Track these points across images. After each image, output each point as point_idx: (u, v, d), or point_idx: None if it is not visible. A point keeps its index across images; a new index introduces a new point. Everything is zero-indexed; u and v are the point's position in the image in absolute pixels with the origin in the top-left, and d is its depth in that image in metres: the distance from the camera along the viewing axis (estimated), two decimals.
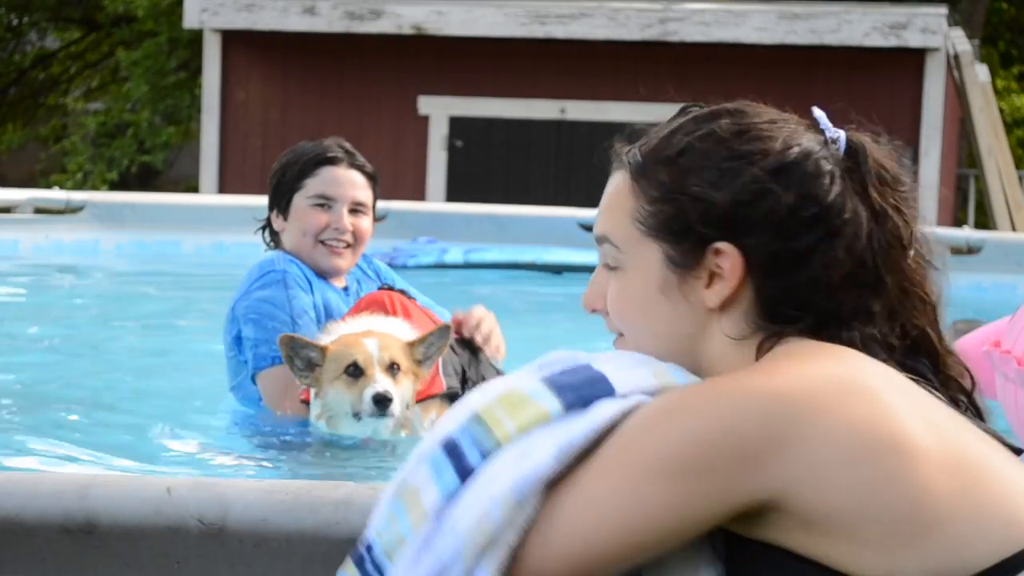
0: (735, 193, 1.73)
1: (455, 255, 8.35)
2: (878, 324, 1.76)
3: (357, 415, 3.50)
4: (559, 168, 13.69)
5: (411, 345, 3.55)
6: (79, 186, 16.84)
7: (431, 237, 8.66)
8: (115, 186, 17.57)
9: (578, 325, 7.03)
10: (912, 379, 1.72)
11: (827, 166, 1.77)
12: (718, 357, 1.76)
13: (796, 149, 1.76)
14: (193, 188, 17.64)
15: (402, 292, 4.00)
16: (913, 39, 12.75)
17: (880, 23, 12.76)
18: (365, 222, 4.03)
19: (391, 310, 3.78)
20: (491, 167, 13.72)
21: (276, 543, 2.05)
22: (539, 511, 1.61)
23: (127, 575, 2.08)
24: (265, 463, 3.63)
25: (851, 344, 1.73)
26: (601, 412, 1.66)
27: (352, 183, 4.02)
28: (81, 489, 2.08)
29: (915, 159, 13.10)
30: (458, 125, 13.79)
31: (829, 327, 1.73)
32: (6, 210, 8.56)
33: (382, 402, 3.43)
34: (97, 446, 3.84)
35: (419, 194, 13.51)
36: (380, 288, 4.04)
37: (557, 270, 8.41)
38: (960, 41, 13.42)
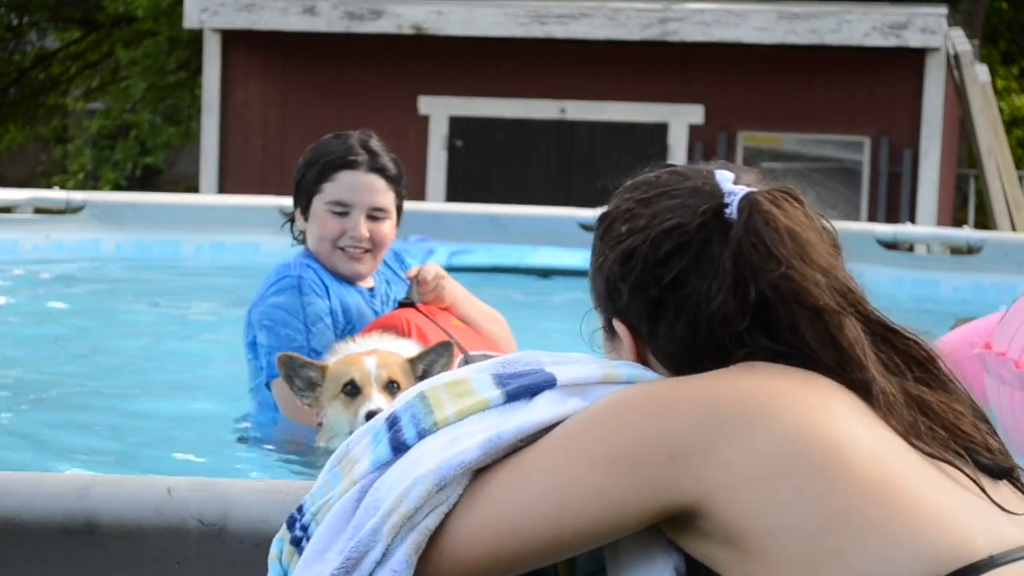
0: (605, 275, 1.84)
1: (439, 257, 8.36)
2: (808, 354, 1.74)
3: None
4: (559, 168, 13.69)
5: (411, 361, 3.46)
6: (79, 185, 16.84)
7: (423, 236, 8.65)
8: (115, 185, 17.57)
9: (564, 327, 7.04)
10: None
11: (682, 239, 1.77)
12: None
13: (664, 225, 1.79)
14: (193, 188, 17.64)
15: (435, 300, 3.95)
16: (913, 39, 12.75)
17: (880, 23, 12.76)
18: (385, 226, 3.94)
19: (405, 331, 3.71)
20: (491, 167, 13.72)
21: None
22: (461, 497, 1.63)
23: (127, 575, 2.08)
24: (266, 464, 3.64)
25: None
26: (537, 411, 1.69)
27: (371, 188, 3.91)
28: (82, 489, 2.08)
29: (915, 159, 13.10)
30: (458, 125, 13.79)
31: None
32: (6, 210, 8.56)
33: None
34: (97, 446, 3.85)
35: (419, 194, 13.51)
36: (400, 304, 3.93)
37: (544, 273, 8.40)
38: (960, 41, 13.42)
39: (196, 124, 17.42)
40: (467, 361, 3.65)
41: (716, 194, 1.79)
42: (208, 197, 11.98)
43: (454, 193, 13.50)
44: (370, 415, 3.26)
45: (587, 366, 1.77)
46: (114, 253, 8.48)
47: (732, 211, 1.76)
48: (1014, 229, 13.16)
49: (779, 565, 1.56)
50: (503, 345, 4.05)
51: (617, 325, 1.83)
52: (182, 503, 2.06)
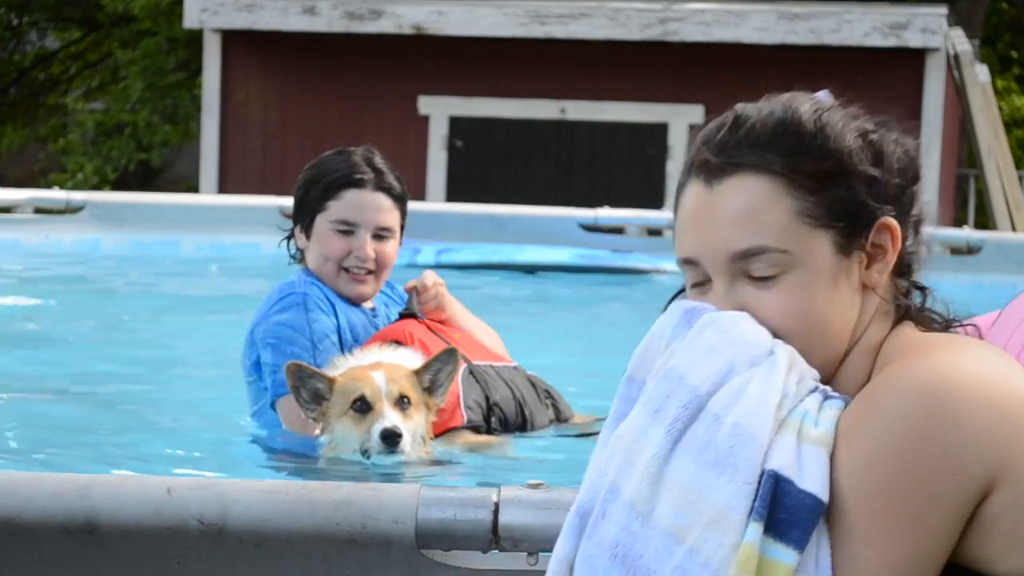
0: (882, 166, 1.75)
1: (427, 256, 8.36)
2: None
3: (366, 452, 3.29)
4: (559, 168, 13.69)
5: (417, 373, 3.37)
6: (79, 186, 16.84)
7: (407, 237, 8.65)
8: (115, 185, 17.57)
9: (549, 324, 7.05)
10: None
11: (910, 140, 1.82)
12: (863, 341, 1.76)
13: (880, 127, 1.82)
14: (193, 188, 17.64)
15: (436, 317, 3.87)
16: (913, 39, 12.75)
17: (880, 23, 12.76)
18: (390, 247, 3.84)
19: (407, 343, 3.64)
20: (491, 167, 13.72)
21: (276, 543, 2.05)
22: None
23: (127, 575, 2.09)
24: (266, 464, 3.63)
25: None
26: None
27: (377, 207, 3.81)
28: (82, 489, 2.08)
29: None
30: (458, 125, 13.79)
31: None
32: (6, 210, 8.56)
33: (390, 438, 3.22)
34: (97, 446, 3.84)
35: (419, 194, 13.50)
36: (401, 316, 3.88)
37: (530, 269, 8.41)
38: (960, 41, 13.41)
39: (195, 124, 17.42)
40: (471, 372, 3.62)
41: None
42: (208, 197, 11.98)
43: (454, 193, 13.50)
44: (384, 433, 3.20)
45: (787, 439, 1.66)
46: (114, 253, 8.47)
47: None
48: (1014, 229, 13.15)
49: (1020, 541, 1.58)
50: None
51: (893, 224, 1.74)
52: (182, 503, 2.06)
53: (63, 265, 8.20)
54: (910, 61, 13.05)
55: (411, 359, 3.49)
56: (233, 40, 13.98)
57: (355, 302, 3.84)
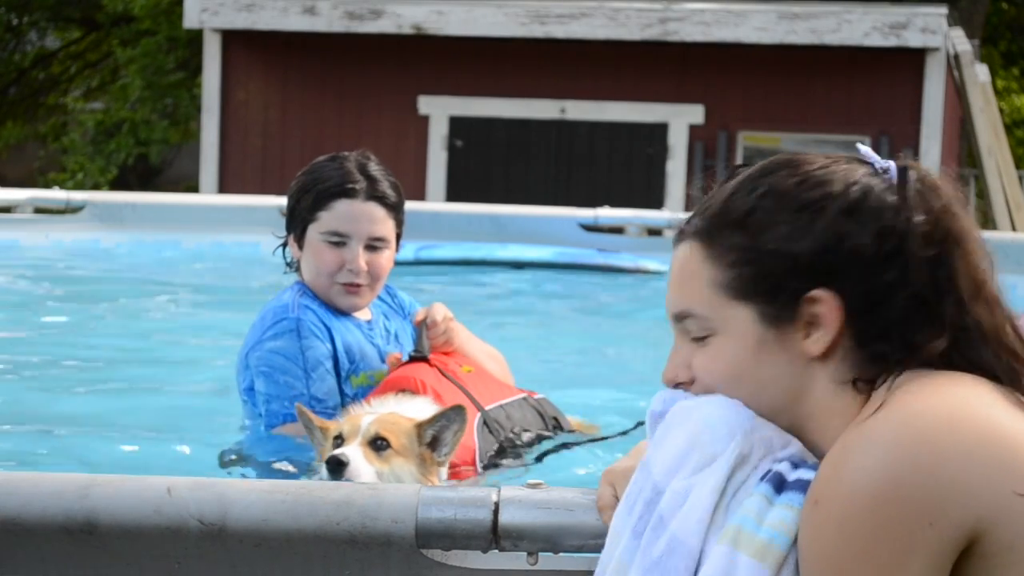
0: (815, 241, 1.74)
1: (407, 252, 8.37)
2: (961, 343, 1.76)
3: None
4: (559, 168, 13.69)
5: (420, 426, 3.23)
6: (79, 185, 16.85)
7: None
8: (114, 184, 17.57)
9: (535, 320, 7.06)
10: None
11: (889, 197, 1.78)
12: (823, 407, 1.76)
13: (856, 187, 1.77)
14: (193, 188, 17.65)
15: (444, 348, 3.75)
16: (913, 39, 12.75)
17: (880, 23, 12.76)
18: (384, 257, 3.71)
19: (420, 391, 3.50)
20: (491, 167, 13.72)
21: (276, 543, 2.05)
22: None
23: (127, 575, 2.09)
24: (266, 464, 3.63)
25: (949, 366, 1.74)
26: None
27: (369, 218, 3.68)
28: (81, 489, 2.08)
29: (915, 159, 13.09)
30: (458, 125, 13.80)
31: (917, 357, 1.74)
32: (6, 210, 8.56)
33: (335, 466, 3.05)
34: (97, 446, 3.84)
35: (419, 194, 13.50)
36: (410, 358, 3.70)
37: (517, 266, 8.41)
38: (960, 41, 13.42)
39: (195, 123, 17.43)
40: (485, 421, 3.55)
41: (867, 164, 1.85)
42: (208, 197, 11.98)
43: (454, 193, 13.51)
44: (330, 459, 3.07)
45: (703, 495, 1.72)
46: (114, 253, 8.48)
47: (892, 176, 1.82)
48: (1014, 229, 13.16)
49: None
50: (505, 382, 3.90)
51: (825, 297, 1.73)
52: (182, 503, 2.06)
53: (63, 265, 8.20)
54: (910, 61, 13.05)
55: (426, 410, 3.36)
56: (233, 40, 13.98)
57: (349, 313, 3.74)
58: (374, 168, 3.73)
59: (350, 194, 3.67)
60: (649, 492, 1.76)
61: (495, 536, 2.04)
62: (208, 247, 8.57)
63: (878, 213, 1.76)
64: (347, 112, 13.94)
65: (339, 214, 3.67)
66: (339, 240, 3.67)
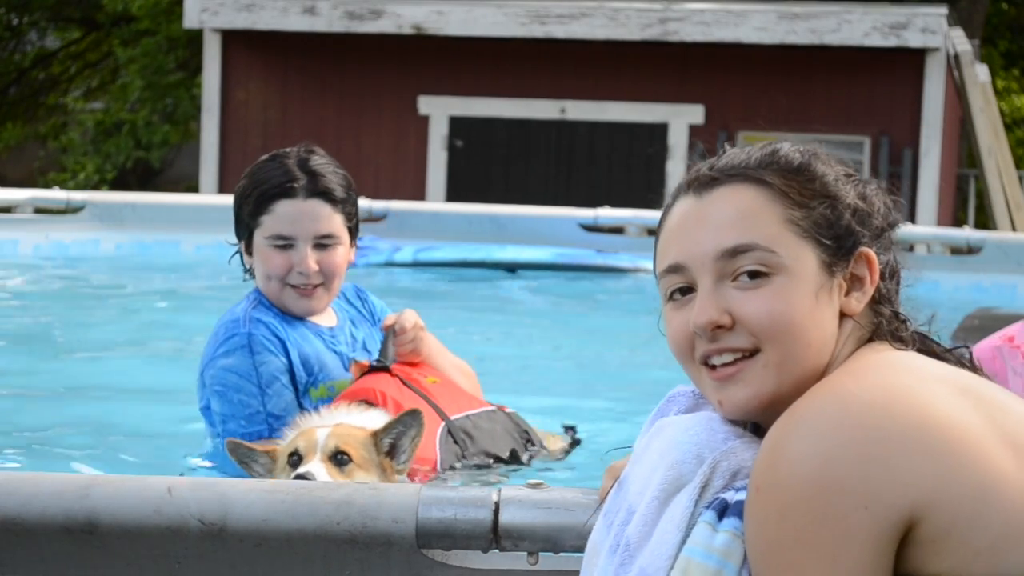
0: (869, 205, 1.82)
1: (405, 254, 8.36)
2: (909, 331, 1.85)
3: None
4: (559, 168, 13.69)
5: (375, 435, 3.11)
6: (79, 185, 16.85)
7: (374, 235, 8.67)
8: (114, 185, 17.57)
9: (531, 321, 7.06)
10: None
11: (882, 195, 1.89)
12: (836, 365, 1.78)
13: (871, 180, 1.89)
14: (193, 188, 17.64)
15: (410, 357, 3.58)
16: (913, 39, 12.75)
17: (880, 23, 12.76)
18: (336, 255, 3.53)
19: (378, 403, 3.35)
20: (491, 167, 13.72)
21: (276, 543, 2.05)
22: None
23: (127, 575, 2.09)
24: None
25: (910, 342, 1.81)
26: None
27: (313, 216, 3.50)
28: (82, 489, 2.08)
29: (915, 159, 13.10)
30: (458, 125, 13.79)
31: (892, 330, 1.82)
32: (6, 210, 8.56)
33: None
34: (97, 446, 3.84)
35: (419, 194, 13.50)
36: (371, 368, 3.53)
37: (510, 268, 8.41)
38: (960, 41, 13.42)
39: (195, 124, 17.43)
40: (449, 431, 3.38)
41: None
42: (208, 197, 11.98)
43: (454, 193, 13.50)
44: (296, 480, 2.90)
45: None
46: (114, 253, 8.48)
47: None
48: (1014, 229, 13.16)
49: (981, 551, 1.58)
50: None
51: (872, 257, 1.80)
52: (182, 503, 2.06)
53: (63, 265, 8.20)
54: (910, 61, 13.05)
55: (377, 421, 3.23)
56: (233, 40, 13.98)
57: (306, 317, 3.58)
58: (317, 162, 3.56)
59: (290, 193, 3.50)
60: (624, 513, 1.76)
61: (495, 536, 2.04)
62: (208, 247, 8.57)
63: (887, 200, 1.87)
64: (347, 112, 13.94)
65: (281, 216, 3.50)
66: (284, 243, 3.51)
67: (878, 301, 1.82)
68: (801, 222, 1.76)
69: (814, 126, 13.30)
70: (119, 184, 17.84)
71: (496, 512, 2.03)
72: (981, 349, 4.04)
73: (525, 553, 2.05)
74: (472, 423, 3.50)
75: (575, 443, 3.79)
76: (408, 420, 3.11)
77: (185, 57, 19.12)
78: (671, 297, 1.83)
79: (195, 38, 16.29)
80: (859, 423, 1.60)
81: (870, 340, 1.80)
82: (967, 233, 8.49)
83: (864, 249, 1.79)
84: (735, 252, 1.76)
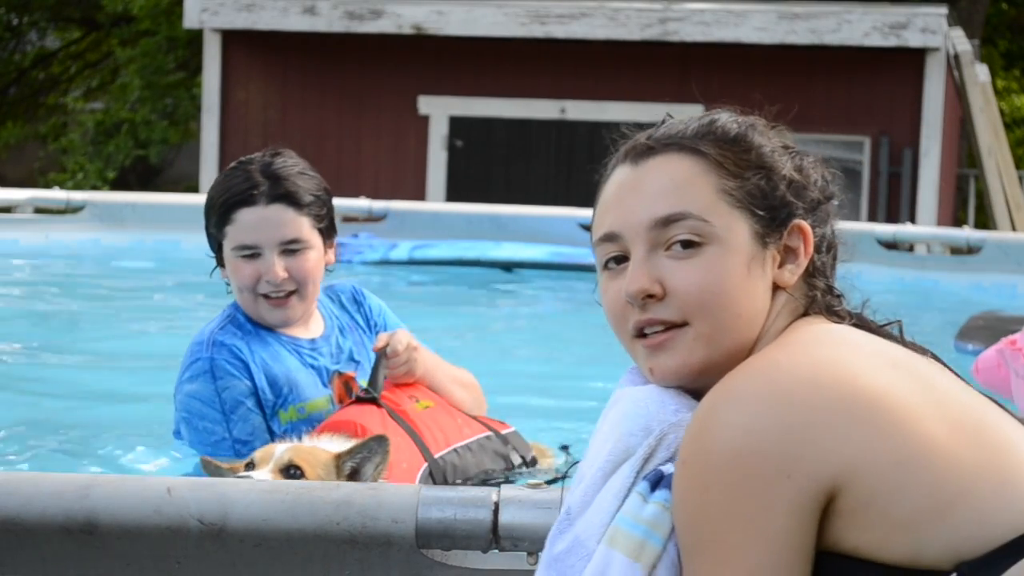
0: (805, 177, 1.82)
1: (401, 252, 8.37)
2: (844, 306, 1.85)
3: None
4: (559, 168, 13.69)
5: (339, 457, 3.00)
6: (79, 185, 16.85)
7: (370, 233, 8.67)
8: (114, 184, 17.57)
9: (526, 320, 7.06)
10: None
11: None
12: (768, 337, 1.78)
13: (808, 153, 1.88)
14: (193, 188, 17.64)
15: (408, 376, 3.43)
16: (913, 39, 12.75)
17: (880, 23, 12.76)
18: (306, 260, 3.41)
19: (360, 436, 3.16)
20: (491, 167, 13.72)
21: (276, 543, 2.06)
22: None
23: (127, 575, 2.09)
24: None
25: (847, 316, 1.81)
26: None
27: (277, 222, 3.38)
28: (82, 489, 2.08)
29: (915, 159, 13.10)
30: (458, 125, 13.79)
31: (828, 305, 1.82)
32: (6, 210, 8.57)
33: None
34: (98, 446, 3.84)
35: (419, 194, 13.50)
36: (357, 399, 3.36)
37: (506, 267, 8.42)
38: (960, 41, 13.42)
39: (195, 123, 17.43)
40: (431, 472, 3.18)
41: None
42: None
43: (454, 193, 13.51)
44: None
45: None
46: (114, 253, 8.48)
47: None
48: (1014, 229, 13.16)
49: (899, 524, 1.58)
50: (475, 409, 3.61)
51: (807, 229, 1.80)
52: (182, 503, 2.06)
53: (63, 265, 8.20)
54: (910, 61, 13.05)
55: (345, 446, 3.10)
56: (233, 40, 13.98)
57: (281, 327, 3.47)
58: (280, 165, 3.43)
59: (250, 201, 3.38)
60: (575, 482, 1.79)
61: (495, 536, 2.04)
62: (208, 247, 8.57)
63: (825, 173, 1.87)
64: (347, 112, 13.94)
65: (244, 225, 3.39)
66: (250, 252, 3.40)
67: (812, 274, 1.82)
68: (735, 192, 1.77)
69: (814, 126, 13.30)
70: (119, 184, 17.84)
71: (496, 512, 2.04)
72: (986, 355, 4.05)
73: (525, 553, 2.05)
74: (458, 456, 3.37)
75: (573, 464, 3.66)
76: (373, 446, 3.00)
77: (185, 57, 19.12)
78: (606, 266, 1.84)
79: (195, 38, 16.29)
80: (784, 395, 1.60)
81: (805, 313, 1.80)
82: (967, 233, 8.49)
83: (798, 221, 1.78)
84: (668, 221, 1.77)
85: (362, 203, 8.99)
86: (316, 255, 3.43)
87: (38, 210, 8.70)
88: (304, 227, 3.41)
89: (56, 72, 23.27)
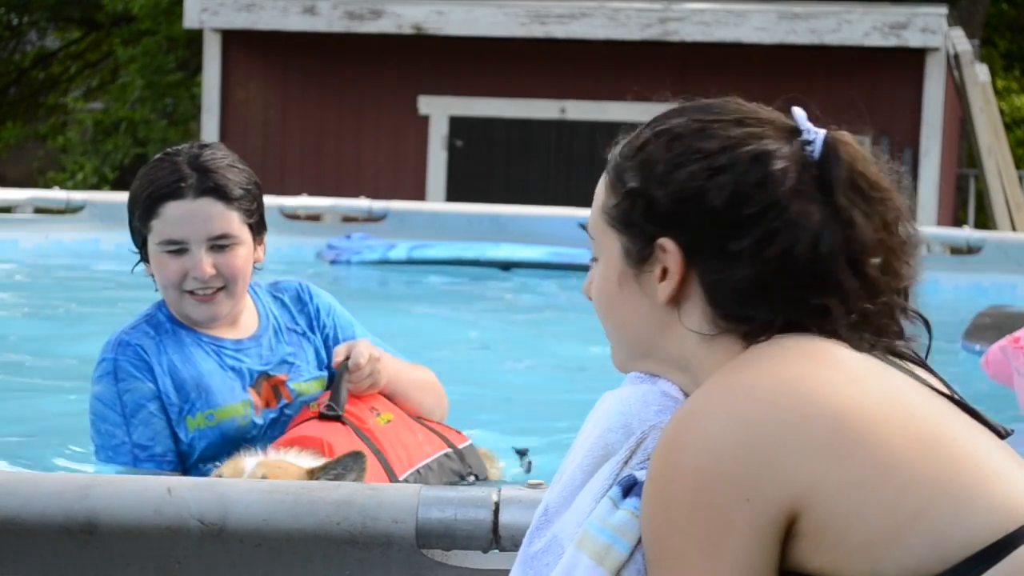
0: (675, 190, 1.75)
1: (400, 252, 8.37)
2: (841, 324, 1.72)
3: None
4: (559, 168, 13.69)
5: (311, 472, 2.93)
6: (78, 185, 16.86)
7: (365, 234, 8.67)
8: (114, 184, 17.57)
9: (524, 319, 7.05)
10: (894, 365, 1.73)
11: (778, 165, 1.74)
12: (689, 354, 1.76)
13: (747, 148, 1.74)
14: None
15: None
16: (913, 39, 12.75)
17: (880, 23, 12.76)
18: (236, 256, 3.28)
19: (327, 455, 3.07)
20: (491, 167, 13.72)
21: (276, 543, 2.06)
22: None
23: (127, 575, 2.09)
24: None
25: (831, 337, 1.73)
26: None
27: (205, 216, 3.25)
28: (82, 489, 2.08)
29: (915, 159, 13.10)
30: (458, 125, 13.80)
31: (795, 327, 1.72)
32: (6, 210, 8.56)
33: None
34: None
35: (419, 194, 13.50)
36: (321, 416, 3.25)
37: (504, 266, 8.42)
38: (960, 41, 13.42)
39: (195, 123, 17.42)
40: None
41: (794, 129, 1.84)
42: None
43: (454, 193, 13.51)
44: None
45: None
46: (114, 253, 8.47)
47: (816, 150, 1.83)
48: (1014, 229, 13.16)
49: (856, 546, 1.57)
50: (436, 411, 3.51)
51: (670, 247, 1.74)
52: (182, 503, 2.06)
53: (63, 265, 8.20)
54: (910, 61, 13.05)
55: (312, 461, 3.04)
56: (233, 40, 13.98)
57: (208, 324, 3.33)
58: (209, 157, 3.30)
59: (177, 194, 3.26)
60: (557, 477, 1.80)
61: (495, 536, 2.04)
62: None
63: (750, 179, 1.72)
64: (347, 112, 13.94)
65: (170, 219, 3.27)
66: (177, 247, 3.27)
67: (720, 296, 1.74)
68: (610, 211, 1.81)
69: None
70: (119, 184, 17.85)
71: (496, 512, 2.04)
72: (991, 353, 4.05)
73: None
74: (420, 476, 3.29)
75: (529, 467, 3.61)
76: (349, 463, 2.95)
77: (185, 57, 19.12)
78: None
79: (195, 38, 16.28)
80: (744, 417, 1.61)
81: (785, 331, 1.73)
82: (967, 233, 8.49)
83: (662, 240, 1.75)
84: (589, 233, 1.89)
85: (362, 203, 8.99)
86: (246, 251, 3.31)
87: (38, 210, 8.70)
88: (234, 222, 3.29)
89: (56, 72, 23.27)
